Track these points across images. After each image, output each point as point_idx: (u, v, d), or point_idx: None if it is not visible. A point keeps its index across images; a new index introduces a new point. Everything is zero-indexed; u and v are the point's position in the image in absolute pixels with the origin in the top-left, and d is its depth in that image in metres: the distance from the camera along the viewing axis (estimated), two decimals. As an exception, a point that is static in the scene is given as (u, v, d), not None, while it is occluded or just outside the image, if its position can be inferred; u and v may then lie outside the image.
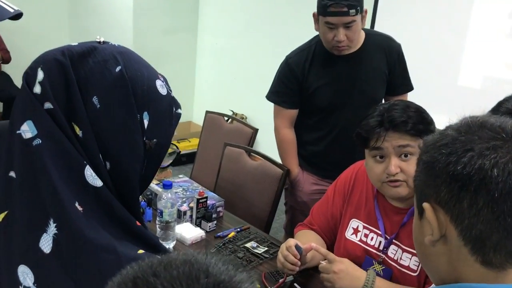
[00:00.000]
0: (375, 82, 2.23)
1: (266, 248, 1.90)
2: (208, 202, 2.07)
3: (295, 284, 1.67)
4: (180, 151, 0.84)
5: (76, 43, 0.77)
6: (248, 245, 1.92)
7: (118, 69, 0.74)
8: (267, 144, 2.68)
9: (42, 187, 0.69)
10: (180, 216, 2.01)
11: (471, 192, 0.64)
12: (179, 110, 0.84)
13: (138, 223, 0.76)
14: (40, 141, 0.70)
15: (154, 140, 0.78)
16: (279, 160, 2.46)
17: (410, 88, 2.33)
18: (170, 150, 0.84)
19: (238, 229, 2.04)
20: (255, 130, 2.96)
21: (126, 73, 0.74)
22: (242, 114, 4.62)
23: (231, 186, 2.53)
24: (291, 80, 2.28)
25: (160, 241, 1.05)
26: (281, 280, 1.68)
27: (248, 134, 2.97)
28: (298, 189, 2.37)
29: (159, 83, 0.79)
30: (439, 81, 3.23)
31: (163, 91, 0.79)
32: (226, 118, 3.24)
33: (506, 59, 2.95)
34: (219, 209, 2.12)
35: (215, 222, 2.04)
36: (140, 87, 0.75)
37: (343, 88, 2.21)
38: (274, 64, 2.51)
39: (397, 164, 1.51)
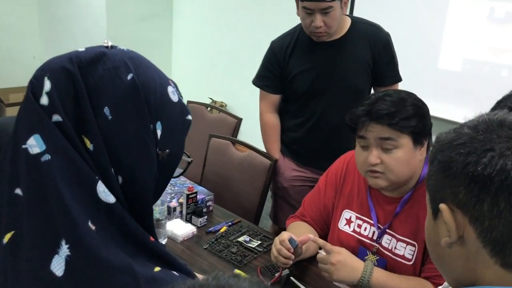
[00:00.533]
0: (356, 71, 2.20)
1: (259, 242, 1.88)
2: (197, 197, 2.03)
3: (291, 278, 1.66)
4: (192, 160, 0.81)
5: (83, 49, 0.72)
6: (241, 239, 1.89)
7: (130, 76, 0.70)
8: (252, 133, 2.65)
9: (52, 206, 0.65)
10: (170, 213, 1.97)
11: (492, 193, 0.62)
12: (189, 117, 0.80)
13: (152, 239, 0.72)
14: (49, 157, 0.65)
15: (167, 150, 0.74)
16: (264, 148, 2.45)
17: (397, 79, 2.29)
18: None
19: (230, 223, 2.01)
20: (239, 120, 2.93)
21: (138, 80, 0.70)
22: (222, 102, 4.57)
23: (218, 178, 2.49)
24: (274, 65, 2.27)
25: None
26: (277, 275, 1.67)
27: (232, 124, 2.93)
28: (278, 174, 2.37)
29: (170, 90, 0.75)
30: (419, 63, 3.24)
31: (174, 98, 0.75)
32: (208, 108, 3.19)
33: (486, 41, 2.98)
34: (209, 203, 2.09)
35: (205, 217, 2.01)
36: (153, 95, 0.71)
37: (323, 75, 2.19)
38: (253, 50, 2.49)
39: (377, 155, 1.52)
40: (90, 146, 0.67)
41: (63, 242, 0.65)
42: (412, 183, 1.60)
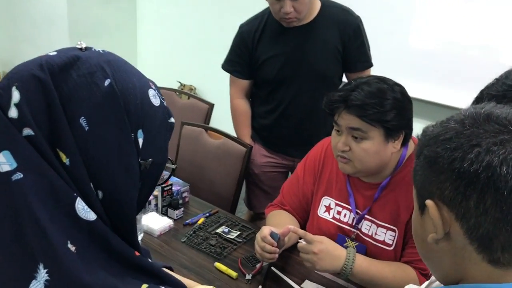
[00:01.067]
0: (325, 57, 2.16)
1: (238, 232, 1.85)
2: (173, 188, 1.97)
3: (273, 268, 1.64)
4: (177, 166, 0.75)
5: (54, 52, 0.65)
6: (219, 230, 1.86)
7: (107, 82, 0.63)
8: (226, 119, 2.59)
9: (27, 229, 0.59)
10: (145, 206, 1.91)
11: (479, 190, 0.61)
12: (171, 119, 0.74)
13: (137, 253, 0.67)
14: (21, 175, 0.59)
15: (150, 159, 0.68)
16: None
17: (368, 64, 2.26)
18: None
19: (207, 214, 1.97)
20: (211, 105, 2.86)
21: (117, 86, 0.64)
22: (191, 85, 4.47)
23: (193, 167, 2.44)
24: (242, 50, 2.23)
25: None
26: (258, 266, 1.65)
27: (203, 110, 2.87)
28: (249, 160, 2.34)
29: (151, 93, 0.69)
30: (390, 42, 3.23)
31: (156, 101, 0.69)
32: (178, 94, 3.10)
33: (458, 21, 2.98)
34: (185, 194, 2.04)
35: (182, 209, 1.96)
36: (133, 102, 0.65)
37: (291, 62, 2.15)
38: (222, 31, 2.43)
39: (346, 142, 1.52)
40: (66, 160, 0.61)
41: (41, 266, 0.59)
42: (390, 170, 1.59)
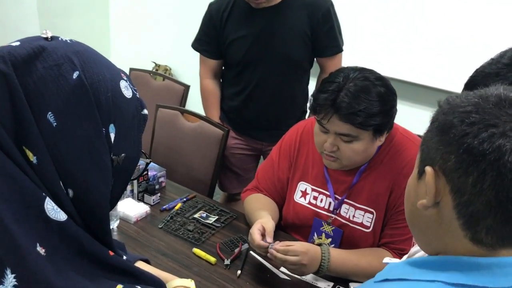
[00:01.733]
0: (293, 41, 2.12)
1: (216, 217, 1.84)
2: (148, 173, 1.94)
3: (251, 252, 1.64)
4: (151, 161, 0.73)
5: (17, 43, 0.61)
6: (197, 215, 1.84)
7: (75, 74, 0.60)
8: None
9: None
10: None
11: (481, 170, 0.60)
12: (144, 111, 0.71)
13: (111, 253, 0.65)
14: None
15: (123, 154, 0.65)
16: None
17: (338, 50, 2.22)
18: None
19: (185, 199, 1.95)
20: (187, 87, 2.82)
21: (86, 79, 0.60)
22: (166, 66, 4.39)
23: (169, 151, 2.40)
24: (210, 29, 2.20)
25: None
26: (236, 250, 1.64)
27: (179, 92, 2.82)
28: (226, 143, 2.32)
29: (123, 85, 0.66)
30: (361, 26, 3.23)
31: (128, 93, 0.66)
32: (152, 75, 3.04)
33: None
34: (161, 179, 2.01)
35: (158, 194, 1.93)
36: (103, 95, 0.62)
37: (258, 44, 2.12)
38: (198, 10, 2.38)
39: (334, 143, 1.50)
40: (33, 158, 0.58)
41: (8, 271, 0.56)
42: (370, 156, 1.58)
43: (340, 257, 1.51)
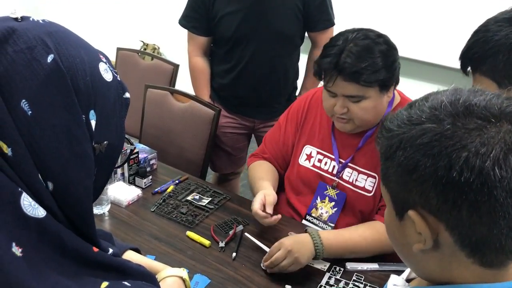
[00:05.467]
0: (284, 16, 2.08)
1: (209, 199, 1.81)
2: (139, 156, 1.89)
3: (246, 234, 1.62)
4: (135, 147, 0.68)
5: None
6: (190, 197, 1.81)
7: (50, 58, 0.55)
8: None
9: None
10: (111, 176, 1.83)
11: (472, 199, 0.55)
12: (126, 94, 0.67)
13: (95, 249, 0.61)
14: None
15: (105, 142, 0.61)
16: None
17: (330, 23, 2.20)
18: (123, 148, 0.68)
19: (177, 181, 1.91)
20: (176, 66, 2.75)
21: (62, 62, 0.56)
22: (154, 45, 4.30)
23: (160, 133, 2.35)
24: (199, 4, 2.13)
25: (94, 207, 0.89)
26: (231, 232, 1.62)
27: (168, 72, 2.76)
28: (218, 123, 2.27)
29: (102, 67, 0.61)
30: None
31: (108, 76, 0.62)
32: (140, 55, 2.97)
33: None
34: (152, 161, 1.96)
35: (150, 177, 1.89)
36: (82, 79, 0.57)
37: (249, 19, 2.06)
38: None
39: (344, 105, 1.51)
40: (7, 151, 0.54)
41: None
42: (380, 117, 1.58)
43: (331, 235, 1.49)
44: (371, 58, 1.41)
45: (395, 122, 0.62)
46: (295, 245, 1.41)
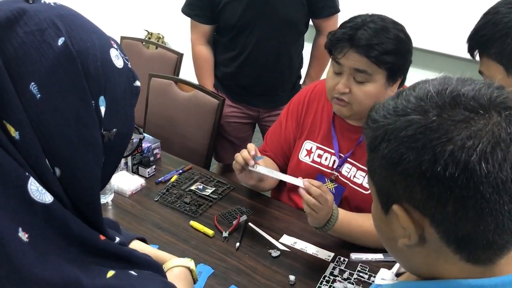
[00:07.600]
0: (289, 2, 2.07)
1: (213, 188, 1.80)
2: (143, 145, 1.89)
3: (250, 224, 1.62)
4: (144, 136, 0.68)
5: None
6: (193, 187, 1.80)
7: (61, 41, 0.54)
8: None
9: None
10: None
11: (457, 195, 0.53)
12: (137, 83, 0.66)
13: (102, 237, 0.61)
14: None
15: (114, 129, 0.60)
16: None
17: (335, 10, 2.18)
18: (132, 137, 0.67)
19: (180, 171, 1.90)
20: (180, 55, 2.74)
21: (73, 46, 0.55)
22: (159, 34, 4.28)
23: (163, 122, 2.34)
24: None
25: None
26: (235, 222, 1.61)
27: (172, 61, 2.75)
28: (222, 113, 2.26)
29: (114, 53, 0.60)
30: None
31: (119, 63, 0.61)
32: (144, 44, 2.95)
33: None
34: (156, 151, 1.96)
35: (153, 166, 1.88)
36: (92, 64, 0.56)
37: (254, 5, 2.04)
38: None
39: (347, 84, 1.48)
40: (15, 134, 0.53)
41: None
42: None
43: (346, 217, 1.47)
44: (386, 38, 1.41)
45: (381, 113, 0.60)
46: (328, 205, 1.37)
